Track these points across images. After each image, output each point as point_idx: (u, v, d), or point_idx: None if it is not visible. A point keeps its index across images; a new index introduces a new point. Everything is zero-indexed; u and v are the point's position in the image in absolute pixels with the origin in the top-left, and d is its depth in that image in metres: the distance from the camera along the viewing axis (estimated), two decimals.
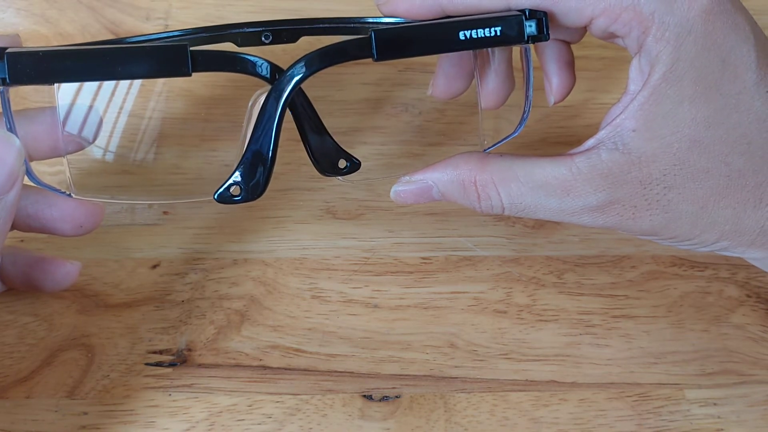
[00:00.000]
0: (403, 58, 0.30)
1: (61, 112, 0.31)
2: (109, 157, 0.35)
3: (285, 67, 0.30)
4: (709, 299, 0.36)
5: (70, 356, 0.33)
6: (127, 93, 0.35)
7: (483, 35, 0.29)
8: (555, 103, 0.34)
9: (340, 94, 0.41)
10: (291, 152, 0.35)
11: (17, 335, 0.33)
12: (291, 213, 0.37)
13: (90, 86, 0.32)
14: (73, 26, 0.42)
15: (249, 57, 0.30)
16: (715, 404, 0.33)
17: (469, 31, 0.29)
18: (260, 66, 0.30)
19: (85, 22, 0.43)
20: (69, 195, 0.32)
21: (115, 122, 0.35)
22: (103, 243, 0.36)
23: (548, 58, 0.33)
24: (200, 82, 0.40)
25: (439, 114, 0.41)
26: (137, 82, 0.35)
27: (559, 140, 0.40)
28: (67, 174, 0.32)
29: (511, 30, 0.29)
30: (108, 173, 0.36)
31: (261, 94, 0.31)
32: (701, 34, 0.28)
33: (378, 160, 0.39)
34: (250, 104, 0.32)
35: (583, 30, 0.32)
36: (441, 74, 0.35)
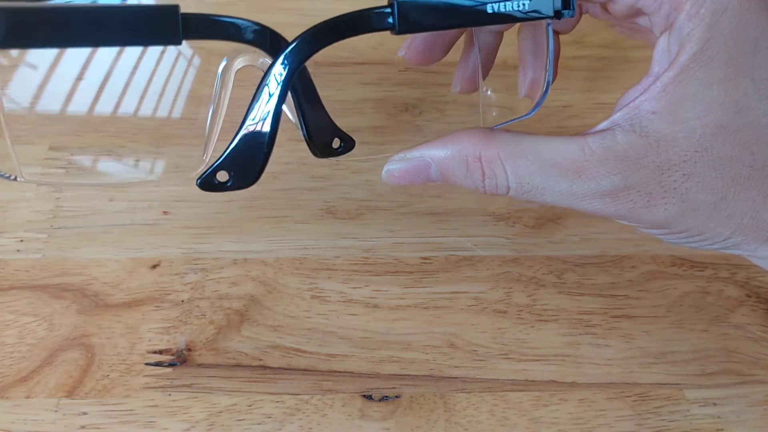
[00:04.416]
0: (426, 31, 0.28)
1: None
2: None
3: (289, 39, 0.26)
4: (709, 299, 0.36)
5: (70, 356, 0.33)
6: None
7: (511, 9, 0.27)
8: (525, 97, 0.32)
9: (340, 94, 0.41)
10: (291, 152, 0.35)
11: (17, 335, 0.33)
12: (291, 213, 0.37)
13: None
14: None
15: (248, 23, 0.26)
16: (715, 404, 0.33)
17: (497, 4, 0.27)
18: (260, 33, 0.26)
19: None
20: (14, 179, 0.29)
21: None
22: (103, 243, 0.36)
23: (530, 48, 0.32)
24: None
25: (439, 114, 0.41)
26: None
27: None
28: (12, 155, 0.28)
29: (538, 4, 0.27)
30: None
31: (235, 57, 0.28)
32: (737, 11, 0.25)
33: (378, 161, 0.39)
34: (220, 70, 0.29)
35: (579, 17, 0.31)
36: (421, 40, 0.33)
